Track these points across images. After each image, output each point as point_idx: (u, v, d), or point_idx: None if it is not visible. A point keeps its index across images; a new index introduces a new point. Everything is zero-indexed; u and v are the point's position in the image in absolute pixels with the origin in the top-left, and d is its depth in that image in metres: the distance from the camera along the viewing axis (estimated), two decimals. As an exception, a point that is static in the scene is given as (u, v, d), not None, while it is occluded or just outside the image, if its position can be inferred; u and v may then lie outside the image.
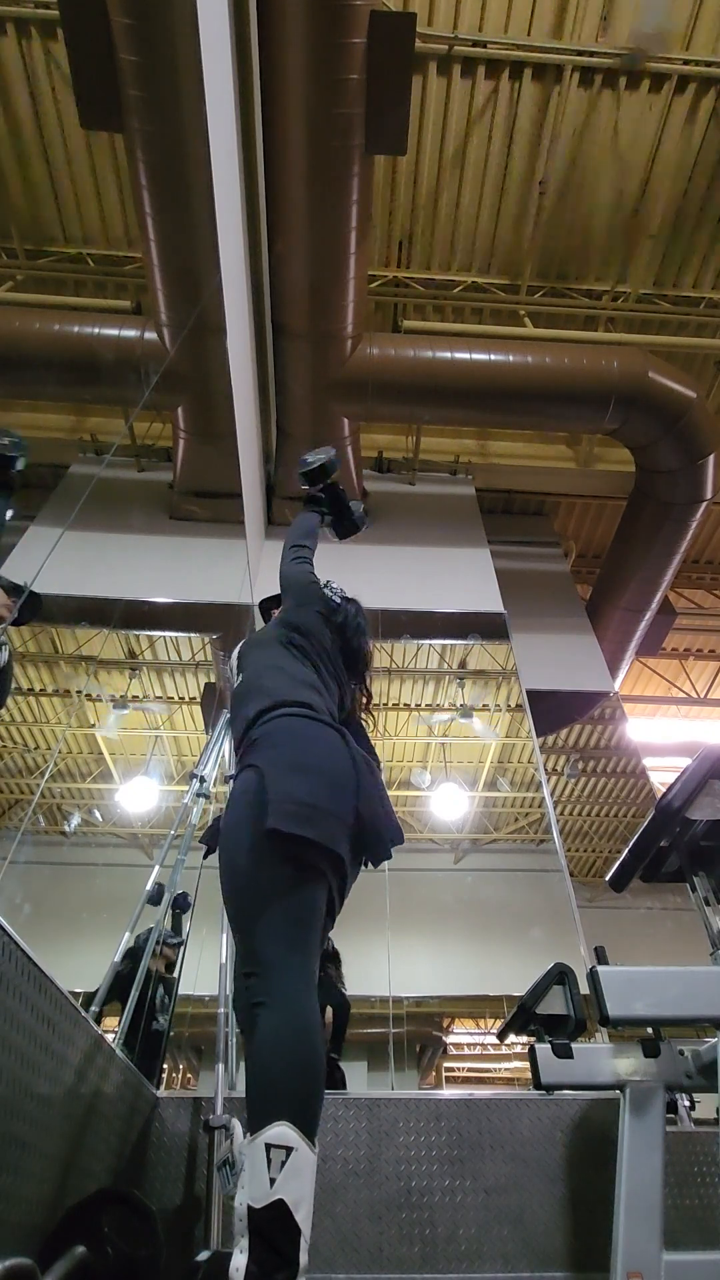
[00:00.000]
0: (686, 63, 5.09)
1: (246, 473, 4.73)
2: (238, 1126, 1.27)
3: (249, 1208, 1.12)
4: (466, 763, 6.69)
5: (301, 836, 1.40)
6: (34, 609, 2.28)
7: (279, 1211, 1.11)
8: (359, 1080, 3.86)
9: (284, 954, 1.35)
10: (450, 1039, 7.27)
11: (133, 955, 2.59)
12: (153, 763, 6.10)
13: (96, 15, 3.65)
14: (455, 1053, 7.89)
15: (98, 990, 2.35)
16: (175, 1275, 1.41)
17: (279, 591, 2.22)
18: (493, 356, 5.41)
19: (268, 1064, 1.26)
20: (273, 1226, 1.10)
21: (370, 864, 1.60)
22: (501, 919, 5.25)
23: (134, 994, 2.39)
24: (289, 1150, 1.16)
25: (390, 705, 6.51)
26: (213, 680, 5.92)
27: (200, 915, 2.77)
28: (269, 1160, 1.14)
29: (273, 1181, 1.12)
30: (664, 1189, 1.64)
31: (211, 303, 3.88)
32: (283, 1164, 1.14)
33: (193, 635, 6.07)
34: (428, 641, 5.98)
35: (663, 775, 6.76)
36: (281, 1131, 1.17)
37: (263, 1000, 1.30)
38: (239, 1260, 1.08)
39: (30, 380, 5.38)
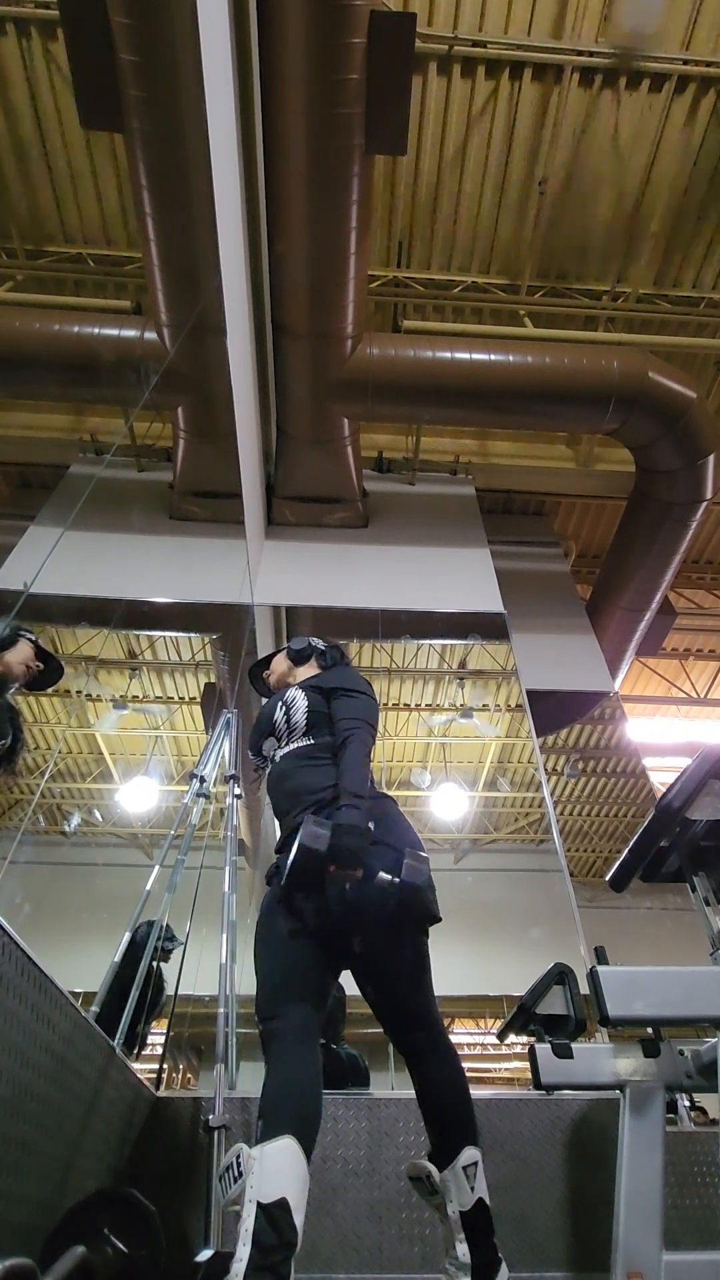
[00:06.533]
0: (686, 63, 5.09)
1: (246, 473, 4.73)
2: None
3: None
4: (466, 763, 6.69)
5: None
6: (57, 675, 2.46)
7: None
8: (359, 1080, 3.85)
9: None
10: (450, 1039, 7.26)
11: (131, 951, 2.59)
12: (153, 763, 6.10)
13: (96, 15, 3.65)
14: (455, 1053, 7.87)
15: (98, 990, 2.35)
16: (175, 1275, 1.41)
17: (268, 654, 2.46)
18: (493, 356, 5.40)
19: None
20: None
21: None
22: (501, 919, 5.25)
23: (134, 994, 2.39)
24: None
25: (390, 705, 6.51)
26: (213, 680, 5.93)
27: (200, 915, 2.77)
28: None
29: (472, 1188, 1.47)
30: (664, 1189, 1.64)
31: (211, 303, 3.88)
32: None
33: (193, 635, 6.08)
34: (428, 641, 5.98)
35: (663, 775, 6.76)
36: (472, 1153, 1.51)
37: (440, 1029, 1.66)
38: None
39: (30, 380, 5.37)
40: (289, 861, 1.50)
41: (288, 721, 1.99)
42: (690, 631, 8.61)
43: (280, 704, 2.05)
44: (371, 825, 1.61)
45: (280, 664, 2.34)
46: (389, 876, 1.50)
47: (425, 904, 1.62)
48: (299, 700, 2.01)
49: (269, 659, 2.42)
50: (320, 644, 2.35)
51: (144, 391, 5.23)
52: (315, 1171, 2.00)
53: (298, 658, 2.30)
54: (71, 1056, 1.40)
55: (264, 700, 2.29)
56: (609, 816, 7.00)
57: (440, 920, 1.70)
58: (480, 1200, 1.46)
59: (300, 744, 1.92)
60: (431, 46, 4.99)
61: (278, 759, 1.95)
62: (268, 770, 2.00)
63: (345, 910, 1.55)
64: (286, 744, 1.96)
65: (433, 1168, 1.50)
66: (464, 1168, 1.47)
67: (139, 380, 5.07)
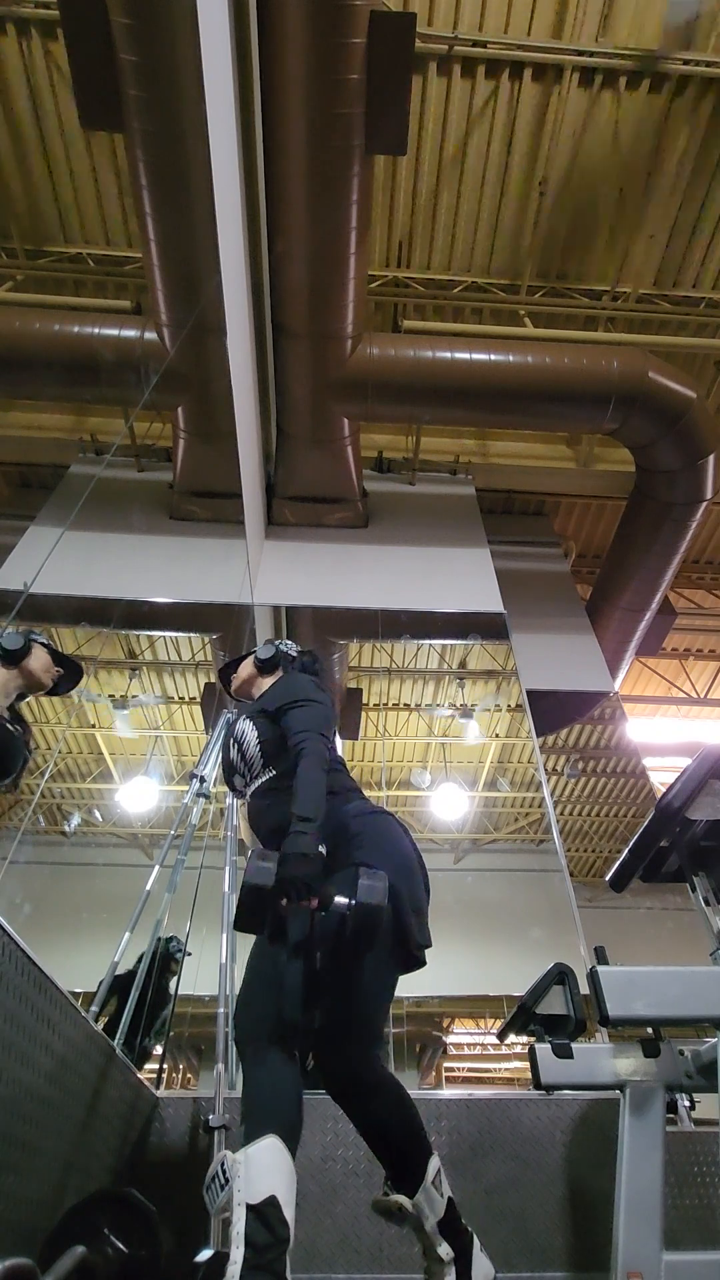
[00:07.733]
0: (686, 63, 5.09)
1: (246, 473, 4.73)
2: None
3: None
4: (466, 763, 6.69)
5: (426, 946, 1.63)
6: (76, 678, 2.37)
7: None
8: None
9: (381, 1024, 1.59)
10: (450, 1039, 7.28)
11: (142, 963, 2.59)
12: (153, 763, 6.11)
13: (96, 15, 3.65)
14: (455, 1053, 7.89)
15: (97, 990, 2.35)
16: (175, 1275, 1.41)
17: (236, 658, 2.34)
18: (493, 356, 5.40)
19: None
20: None
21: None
22: (501, 919, 5.25)
23: (134, 995, 2.39)
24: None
25: (390, 705, 6.51)
26: (213, 680, 5.93)
27: (200, 915, 2.77)
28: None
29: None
30: (664, 1189, 1.64)
31: (211, 303, 3.88)
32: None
33: (193, 635, 6.08)
34: (428, 641, 5.99)
35: (663, 775, 6.76)
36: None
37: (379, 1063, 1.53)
38: None
39: (30, 380, 5.37)
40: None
41: (243, 757, 1.89)
42: (690, 631, 8.61)
43: (232, 740, 1.95)
44: (323, 849, 1.47)
45: (245, 670, 2.23)
46: (345, 901, 1.39)
47: (404, 929, 1.54)
48: (248, 733, 1.90)
49: (238, 662, 2.29)
50: (292, 650, 2.20)
51: (144, 391, 5.23)
52: (315, 1171, 2.01)
53: (264, 667, 2.16)
54: (71, 1056, 1.40)
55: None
56: (609, 816, 7.01)
57: (429, 945, 1.60)
58: (449, 1199, 1.45)
59: (265, 778, 1.84)
60: (431, 46, 4.99)
61: (249, 797, 1.88)
62: (245, 806, 1.91)
63: (320, 937, 1.46)
64: (252, 780, 1.87)
65: (403, 1199, 1.43)
66: (433, 1182, 1.44)
67: (139, 380, 5.06)
